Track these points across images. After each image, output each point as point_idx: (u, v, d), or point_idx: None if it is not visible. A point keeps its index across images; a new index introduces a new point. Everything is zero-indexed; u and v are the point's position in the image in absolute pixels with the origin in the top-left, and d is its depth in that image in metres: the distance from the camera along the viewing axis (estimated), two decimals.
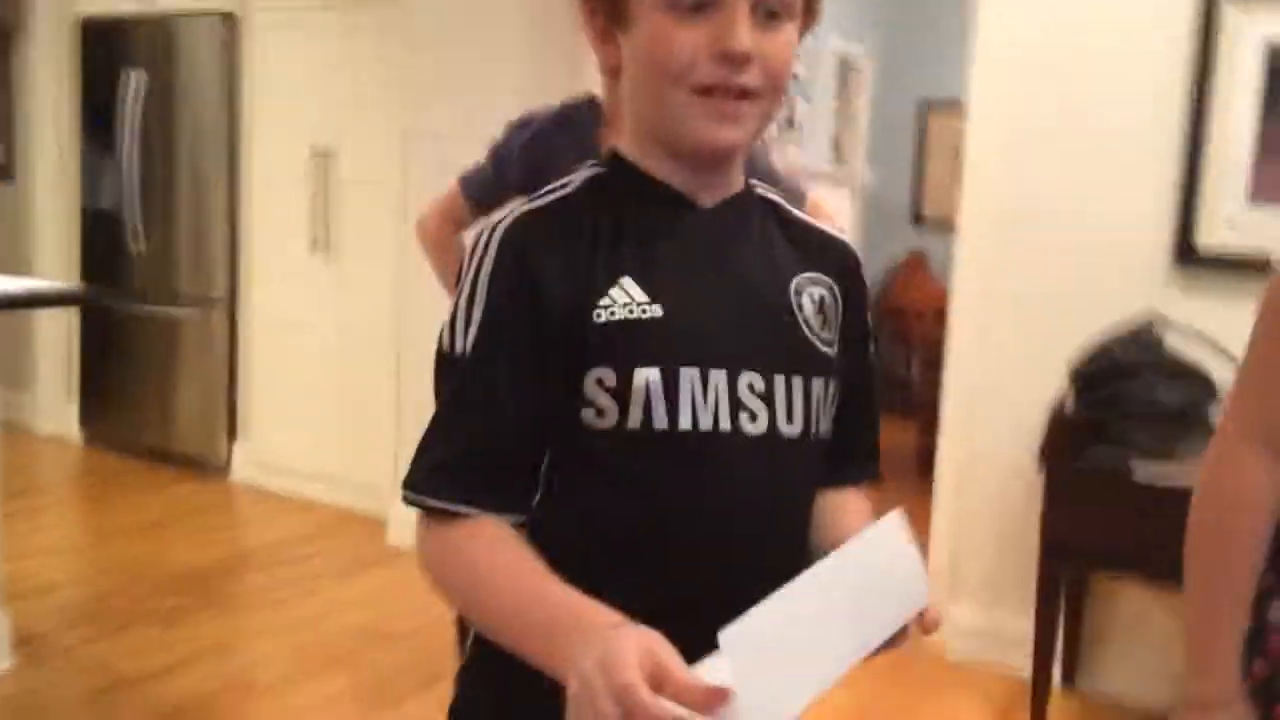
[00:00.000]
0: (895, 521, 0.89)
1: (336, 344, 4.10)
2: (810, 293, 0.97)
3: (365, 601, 3.32)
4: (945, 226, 4.05)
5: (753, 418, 0.91)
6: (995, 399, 3.01)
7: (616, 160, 0.97)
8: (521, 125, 1.99)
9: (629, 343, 0.88)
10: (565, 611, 0.80)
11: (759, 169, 1.96)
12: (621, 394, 0.88)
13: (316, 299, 4.13)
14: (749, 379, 0.91)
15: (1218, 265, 2.73)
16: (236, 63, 4.21)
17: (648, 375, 0.88)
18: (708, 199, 0.96)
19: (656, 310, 0.89)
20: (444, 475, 0.90)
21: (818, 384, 0.95)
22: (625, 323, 0.88)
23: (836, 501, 1.01)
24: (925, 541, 3.15)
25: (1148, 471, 2.46)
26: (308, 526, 3.92)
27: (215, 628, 3.09)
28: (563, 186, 0.96)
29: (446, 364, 0.92)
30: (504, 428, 0.89)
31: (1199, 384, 2.56)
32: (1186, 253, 2.75)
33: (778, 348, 0.94)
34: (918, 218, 6.35)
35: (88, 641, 2.93)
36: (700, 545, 0.90)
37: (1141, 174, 2.79)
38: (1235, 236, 2.70)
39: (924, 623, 0.88)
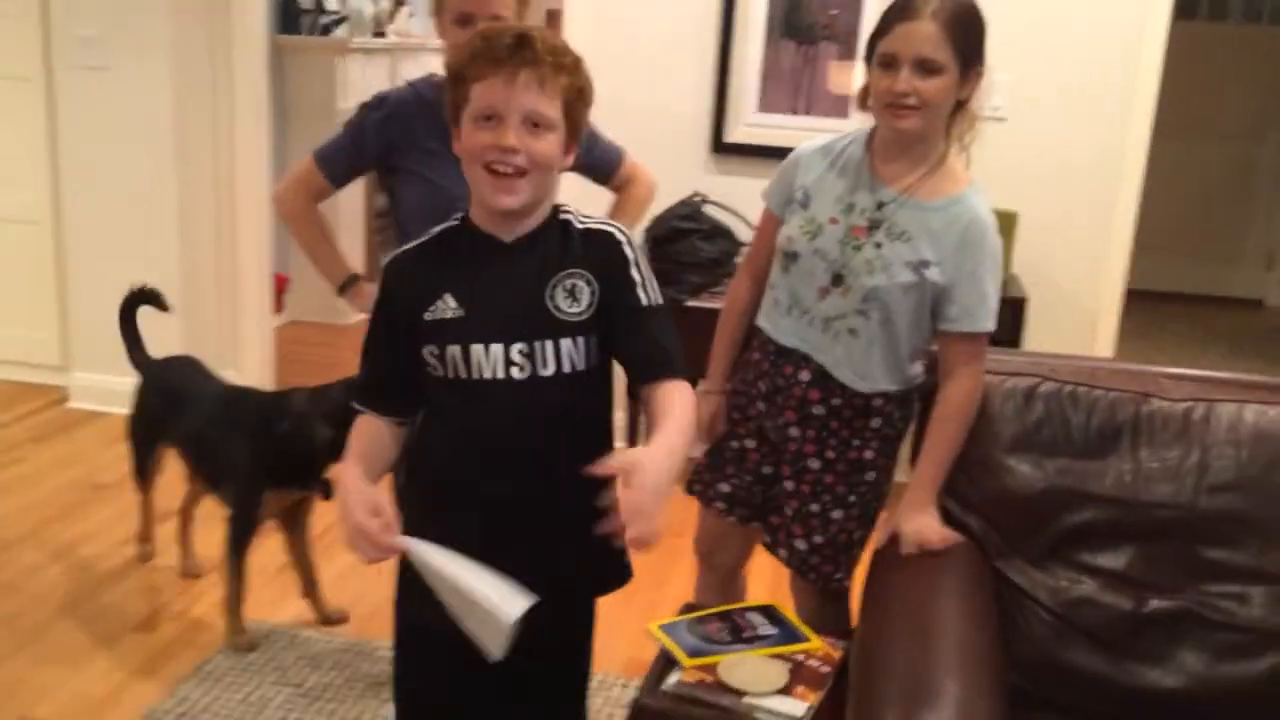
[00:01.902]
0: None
1: None
2: (564, 285, 1.52)
3: (75, 455, 3.77)
4: None
5: (520, 369, 1.51)
6: None
7: (463, 218, 1.58)
8: (376, 105, 2.21)
9: (443, 331, 1.51)
10: (348, 472, 1.53)
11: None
12: (440, 359, 1.52)
13: None
14: (518, 346, 1.50)
15: (740, 154, 3.86)
16: None
17: (453, 350, 1.51)
18: (508, 236, 1.54)
19: (460, 312, 1.51)
20: (359, 392, 1.64)
21: (565, 342, 1.51)
22: (442, 320, 1.51)
23: (659, 394, 1.51)
24: None
25: (694, 301, 3.59)
26: None
27: None
28: (427, 236, 1.60)
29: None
30: (376, 371, 1.61)
31: (729, 241, 3.70)
32: (720, 145, 3.86)
33: (535, 324, 1.51)
34: None
35: None
36: (488, 444, 1.54)
37: (688, 88, 3.84)
38: (750, 134, 3.84)
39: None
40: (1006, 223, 3.58)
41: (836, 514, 2.06)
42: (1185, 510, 1.86)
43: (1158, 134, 3.62)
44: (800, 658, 1.85)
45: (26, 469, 3.68)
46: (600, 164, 2.43)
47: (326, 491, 2.59)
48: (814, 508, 2.07)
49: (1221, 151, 6.62)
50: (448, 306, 1.52)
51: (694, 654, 1.84)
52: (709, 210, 3.75)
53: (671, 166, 3.82)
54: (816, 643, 1.89)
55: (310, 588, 2.85)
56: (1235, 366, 5.57)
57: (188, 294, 4.09)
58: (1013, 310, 3.42)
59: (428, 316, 1.52)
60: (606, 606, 1.77)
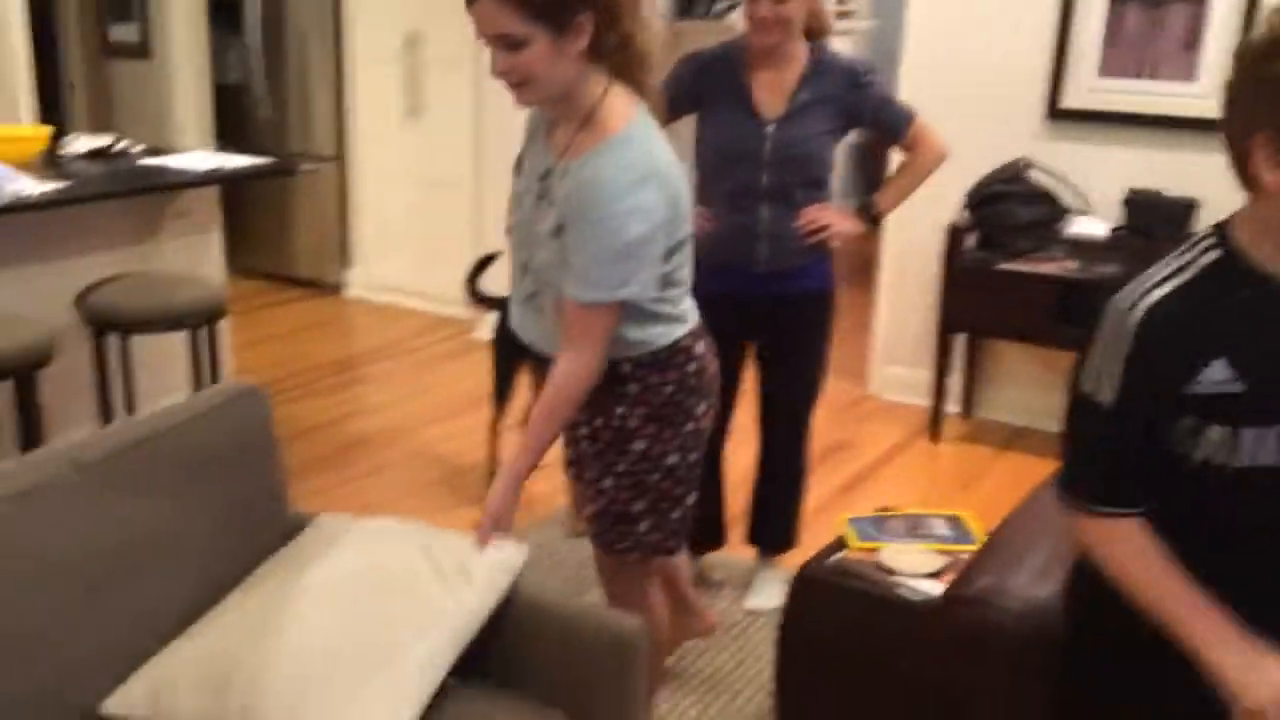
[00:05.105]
0: None
1: (426, 191, 5.28)
2: None
3: (468, 374, 4.57)
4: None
5: None
6: (919, 219, 4.12)
7: (1223, 244, 1.23)
8: (689, 59, 2.58)
9: (1210, 407, 1.22)
10: (1213, 623, 1.20)
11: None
12: (1196, 437, 1.23)
13: (411, 155, 5.28)
14: None
15: (1077, 120, 3.83)
16: None
17: (1217, 430, 1.22)
18: None
19: (1237, 386, 1.21)
20: (1102, 488, 1.29)
21: None
22: (1211, 396, 1.21)
23: None
24: (869, 322, 4.38)
25: (1005, 264, 3.65)
26: (413, 329, 5.18)
27: (367, 395, 4.37)
28: (1182, 270, 1.23)
29: (1087, 405, 1.27)
30: (1139, 462, 1.26)
31: (1049, 205, 3.71)
32: (1055, 111, 3.86)
33: None
34: None
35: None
36: (1250, 545, 1.26)
37: (1023, 50, 3.87)
38: (1090, 100, 3.80)
39: None
40: (1183, 211, 3.44)
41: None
42: None
43: None
44: (965, 556, 2.01)
45: (433, 379, 4.56)
46: (892, 125, 2.67)
47: None
48: None
49: None
50: (1221, 377, 1.23)
51: (864, 539, 2.07)
52: (1032, 175, 3.78)
53: (1002, 132, 3.91)
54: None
55: None
56: None
57: None
58: None
59: (1190, 390, 1.23)
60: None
